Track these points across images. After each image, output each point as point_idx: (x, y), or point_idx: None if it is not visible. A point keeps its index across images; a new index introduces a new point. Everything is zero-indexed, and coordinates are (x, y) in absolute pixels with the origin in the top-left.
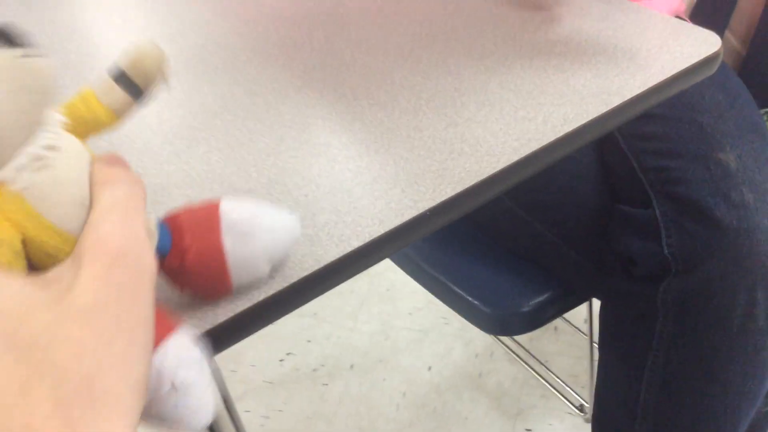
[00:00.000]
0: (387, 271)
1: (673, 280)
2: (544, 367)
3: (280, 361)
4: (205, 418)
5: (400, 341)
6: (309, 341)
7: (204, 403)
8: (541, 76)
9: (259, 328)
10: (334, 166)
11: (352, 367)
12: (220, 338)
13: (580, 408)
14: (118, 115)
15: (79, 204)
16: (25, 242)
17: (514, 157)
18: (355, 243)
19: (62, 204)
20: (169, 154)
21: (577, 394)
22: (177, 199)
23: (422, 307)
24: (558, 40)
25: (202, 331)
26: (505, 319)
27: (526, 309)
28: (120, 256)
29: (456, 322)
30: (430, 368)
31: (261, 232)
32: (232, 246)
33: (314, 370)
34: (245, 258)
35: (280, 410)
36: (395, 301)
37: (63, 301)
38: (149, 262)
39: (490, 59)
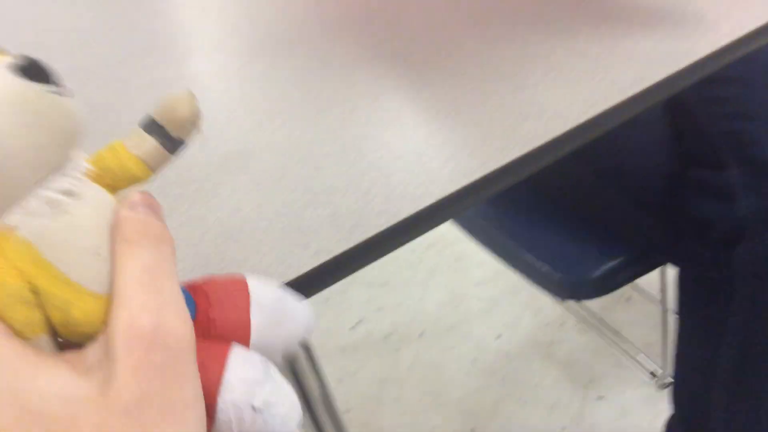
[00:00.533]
0: (456, 243)
1: (749, 243)
2: (616, 336)
3: (351, 328)
4: (297, 414)
5: (470, 310)
6: (380, 309)
7: (290, 403)
8: (607, 41)
9: (337, 281)
10: (406, 132)
11: (422, 334)
12: (299, 289)
13: (653, 374)
14: (151, 167)
15: (93, 254)
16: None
17: (582, 119)
18: (427, 200)
19: (75, 254)
20: (252, 123)
21: (651, 361)
22: (263, 163)
23: (491, 278)
24: (625, 5)
25: (284, 281)
26: (576, 284)
27: (597, 274)
28: (157, 338)
29: (525, 292)
30: (499, 336)
31: (286, 320)
32: (258, 327)
33: (385, 336)
34: (267, 342)
35: (353, 374)
36: (464, 272)
37: (107, 398)
38: (188, 333)
39: (556, 26)
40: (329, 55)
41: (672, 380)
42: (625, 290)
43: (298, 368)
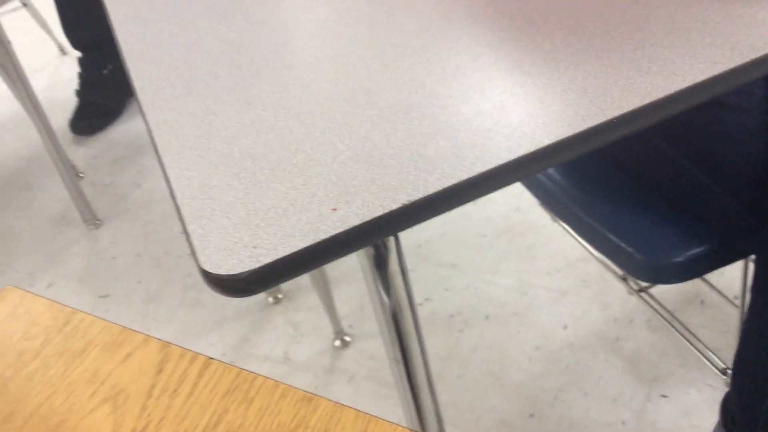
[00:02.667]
0: (527, 233)
1: None
2: (687, 336)
3: (418, 305)
4: None
5: (537, 299)
6: (447, 290)
7: None
8: (728, 9)
9: (459, 205)
10: (527, 80)
11: (487, 317)
12: (423, 211)
13: (723, 372)
14: None
15: None
16: None
17: (700, 77)
18: (545, 141)
19: None
20: (379, 65)
21: (721, 360)
22: (390, 100)
23: (561, 269)
24: None
25: (411, 200)
26: (658, 267)
27: (680, 259)
28: None
29: (595, 286)
30: (565, 327)
31: None
32: None
33: (450, 316)
34: None
35: None
36: (534, 261)
37: None
38: None
39: None
40: (452, 9)
41: None
42: (700, 291)
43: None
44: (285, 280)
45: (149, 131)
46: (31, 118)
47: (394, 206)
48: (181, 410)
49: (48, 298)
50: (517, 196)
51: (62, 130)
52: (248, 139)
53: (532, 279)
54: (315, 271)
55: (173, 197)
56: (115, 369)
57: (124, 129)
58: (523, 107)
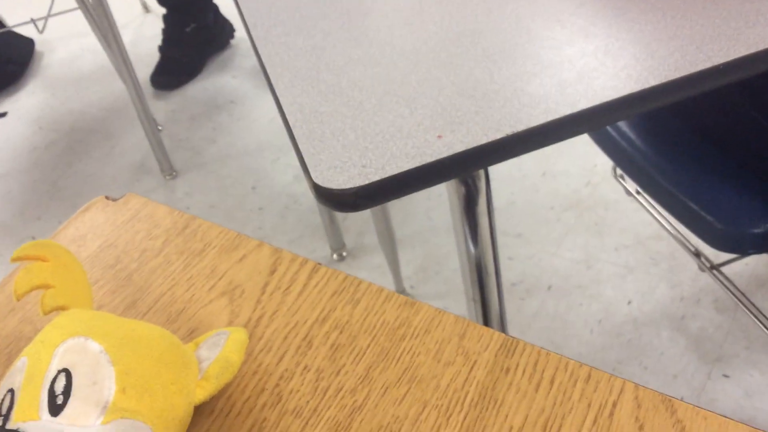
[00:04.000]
0: (596, 208)
1: None
2: (757, 318)
3: None
4: None
5: (603, 273)
6: (510, 258)
7: None
8: None
9: (530, 150)
10: (633, 26)
11: (549, 288)
12: (493, 153)
13: None
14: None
15: None
16: None
17: None
18: (651, 82)
19: None
20: (484, 9)
21: None
22: (493, 41)
23: (630, 246)
24: None
25: (514, 131)
26: (737, 237)
27: (761, 230)
28: None
29: (664, 264)
30: (630, 302)
31: None
32: None
33: (513, 284)
34: None
35: None
36: (602, 236)
37: None
38: None
39: None
40: None
41: None
42: None
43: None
44: (390, 199)
45: (261, 64)
46: (118, 71)
47: (498, 136)
48: (293, 306)
49: (167, 205)
50: (588, 170)
51: (143, 84)
52: (355, 72)
53: (598, 254)
54: (383, 229)
55: (286, 121)
56: (231, 268)
57: (202, 87)
58: (629, 51)
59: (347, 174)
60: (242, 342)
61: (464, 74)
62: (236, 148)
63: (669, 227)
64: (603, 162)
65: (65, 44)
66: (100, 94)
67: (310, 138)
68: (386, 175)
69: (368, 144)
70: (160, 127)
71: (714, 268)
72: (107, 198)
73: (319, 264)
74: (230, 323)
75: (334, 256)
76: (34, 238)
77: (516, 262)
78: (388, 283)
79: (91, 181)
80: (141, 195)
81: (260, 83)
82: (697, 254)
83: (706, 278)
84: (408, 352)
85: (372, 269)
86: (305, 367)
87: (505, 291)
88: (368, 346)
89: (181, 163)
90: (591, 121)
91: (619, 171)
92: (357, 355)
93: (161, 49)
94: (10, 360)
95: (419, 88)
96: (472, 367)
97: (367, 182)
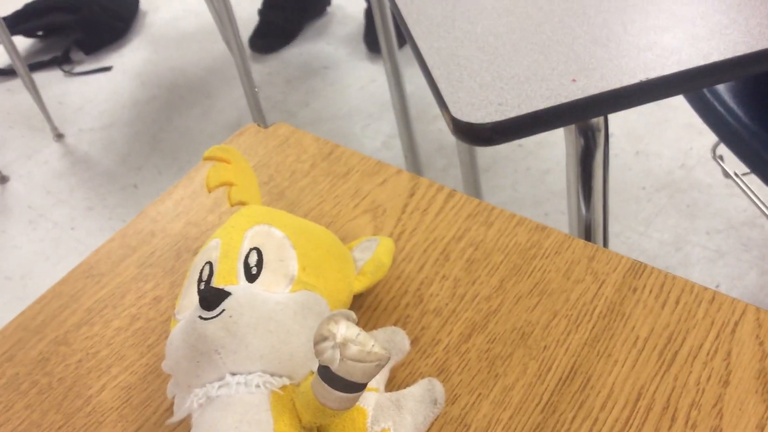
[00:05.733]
0: (689, 191)
1: None
2: None
3: None
4: None
5: (691, 256)
6: None
7: None
8: None
9: (660, 98)
10: None
11: None
12: (625, 99)
13: None
14: None
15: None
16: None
17: None
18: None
19: None
20: None
21: None
22: None
23: (723, 230)
24: None
25: (646, 78)
26: None
27: None
28: None
29: (757, 251)
30: (718, 286)
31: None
32: None
33: None
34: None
35: None
36: (694, 219)
37: None
38: None
39: None
40: None
41: None
42: None
43: None
44: (523, 136)
45: (398, 11)
46: (221, 31)
47: (633, 81)
48: (431, 224)
49: (312, 134)
50: (684, 153)
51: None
52: (489, 21)
53: (689, 236)
54: (472, 195)
55: (423, 64)
56: (373, 190)
57: (298, 51)
58: (761, 11)
59: (484, 111)
60: (391, 248)
61: (598, 25)
62: (328, 112)
63: None
64: (700, 146)
65: (168, 4)
66: (200, 54)
67: (448, 78)
68: (522, 113)
69: (504, 85)
70: (256, 89)
71: None
72: (258, 125)
73: (454, 191)
74: (374, 236)
75: None
76: (135, 186)
77: None
78: None
79: (189, 136)
80: None
81: (353, 51)
82: None
83: None
84: (539, 269)
85: None
86: (443, 276)
87: None
88: (501, 262)
89: None
90: (723, 73)
91: (718, 152)
92: (491, 269)
93: (261, 12)
94: (179, 255)
95: (553, 36)
96: (600, 285)
97: (503, 118)
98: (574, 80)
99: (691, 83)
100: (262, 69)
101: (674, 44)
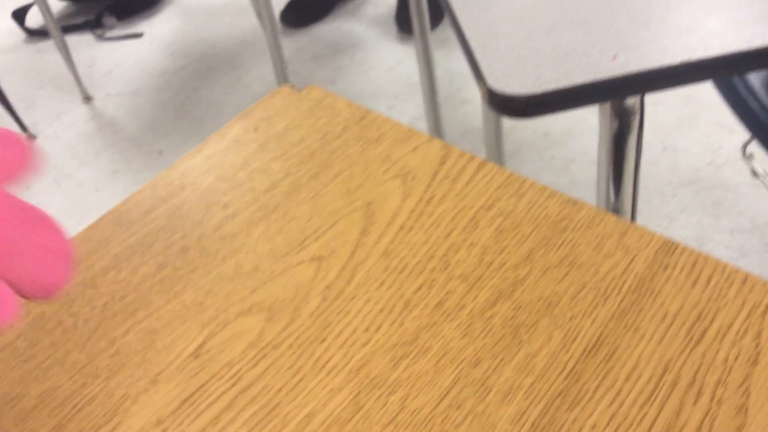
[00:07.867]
0: (718, 188)
1: None
2: None
3: None
4: None
5: (714, 254)
6: None
7: None
8: None
9: (699, 81)
10: None
11: None
12: (664, 78)
13: None
14: None
15: None
16: None
17: None
18: None
19: None
20: None
21: None
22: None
23: (747, 230)
24: None
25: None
26: None
27: None
28: None
29: None
30: None
31: None
32: None
33: None
34: None
35: None
36: (718, 218)
37: None
38: None
39: None
40: None
41: None
42: None
43: None
44: (558, 110)
45: None
46: (253, 4)
47: (674, 62)
48: (461, 192)
49: (345, 99)
50: (713, 151)
51: None
52: None
53: (712, 234)
54: None
55: (461, 35)
56: (404, 156)
57: (328, 29)
58: None
59: (521, 83)
60: None
61: (640, 6)
62: (354, 90)
63: None
64: (729, 144)
65: None
66: (230, 26)
67: (485, 50)
68: (560, 87)
69: (542, 59)
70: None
71: None
72: (292, 87)
73: (485, 161)
74: (403, 201)
75: None
76: (161, 152)
77: None
78: None
79: (215, 106)
80: None
81: (383, 32)
82: None
83: None
84: (569, 242)
85: None
86: (471, 243)
87: None
88: (531, 232)
89: None
90: (766, 59)
91: (748, 151)
92: (520, 239)
93: None
94: (208, 208)
95: (594, 15)
96: (631, 261)
97: (540, 91)
98: (615, 57)
99: (733, 67)
100: (291, 44)
101: (718, 27)
